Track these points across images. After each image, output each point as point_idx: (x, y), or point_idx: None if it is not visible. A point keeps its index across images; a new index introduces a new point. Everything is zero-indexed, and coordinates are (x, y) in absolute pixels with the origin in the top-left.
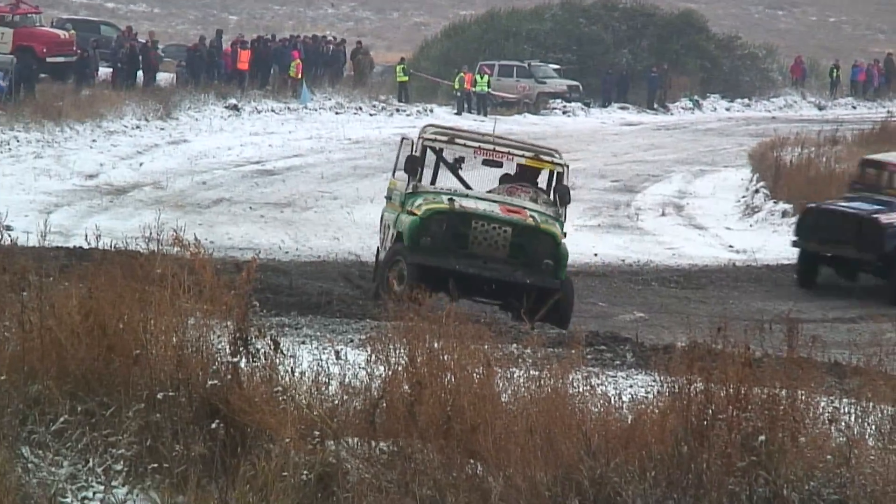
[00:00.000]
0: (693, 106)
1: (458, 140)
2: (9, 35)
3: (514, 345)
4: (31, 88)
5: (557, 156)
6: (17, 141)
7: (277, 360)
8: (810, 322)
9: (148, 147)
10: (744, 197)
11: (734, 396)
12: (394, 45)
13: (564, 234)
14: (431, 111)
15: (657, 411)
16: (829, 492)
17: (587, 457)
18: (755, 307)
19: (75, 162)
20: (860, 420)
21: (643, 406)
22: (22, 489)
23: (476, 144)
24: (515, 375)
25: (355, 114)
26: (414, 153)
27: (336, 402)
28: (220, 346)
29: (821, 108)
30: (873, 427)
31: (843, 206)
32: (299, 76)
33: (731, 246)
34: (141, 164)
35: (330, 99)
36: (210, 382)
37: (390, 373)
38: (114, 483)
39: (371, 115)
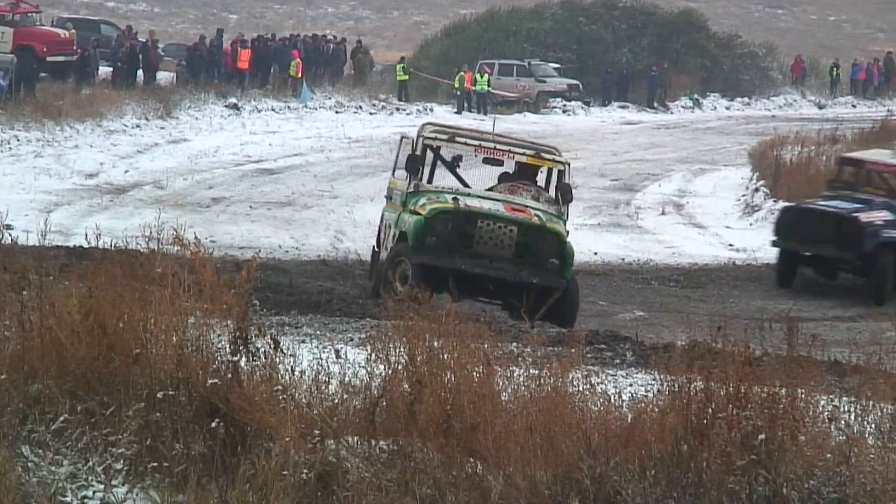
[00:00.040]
0: (693, 105)
1: (458, 138)
2: (9, 34)
3: (514, 344)
4: (31, 87)
5: (557, 154)
6: (18, 140)
7: (277, 359)
8: (810, 321)
9: (148, 146)
10: (744, 196)
11: (734, 395)
12: (394, 44)
13: (567, 233)
14: (431, 110)
15: (657, 410)
16: (828, 490)
17: (587, 455)
18: (755, 306)
19: (75, 161)
20: (860, 419)
21: (643, 405)
22: (22, 488)
23: (477, 143)
24: (515, 374)
25: (355, 113)
26: (415, 152)
27: (336, 400)
28: (220, 345)
29: (821, 107)
30: (873, 426)
31: (823, 206)
32: (299, 75)
33: (730, 245)
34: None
35: (330, 98)
36: (210, 381)
37: (390, 372)
38: (114, 482)
39: (371, 114)
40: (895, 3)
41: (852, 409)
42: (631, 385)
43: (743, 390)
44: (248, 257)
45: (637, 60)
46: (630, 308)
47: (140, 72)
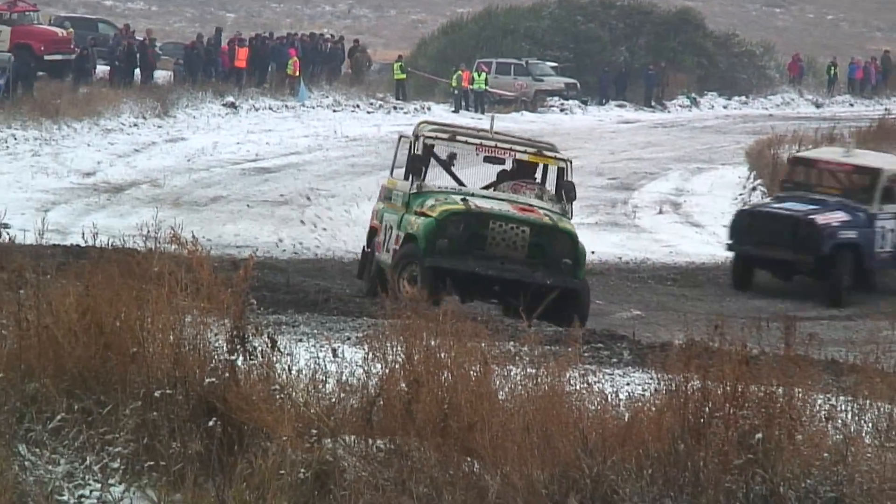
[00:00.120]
0: (690, 103)
1: (459, 137)
2: (6, 33)
3: (511, 343)
4: (28, 86)
5: (557, 151)
6: (15, 139)
7: (275, 358)
8: (807, 320)
9: (145, 145)
10: (741, 195)
11: (731, 394)
12: (391, 43)
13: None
14: (429, 109)
15: (654, 409)
16: (825, 489)
17: (584, 455)
18: (752, 305)
19: (73, 160)
20: (857, 418)
21: (640, 404)
22: (19, 487)
23: (477, 141)
24: (512, 373)
25: (353, 111)
26: (416, 152)
27: (333, 399)
28: (217, 344)
29: (818, 106)
30: (870, 425)
31: (777, 208)
32: (297, 74)
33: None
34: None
35: (327, 97)
36: (207, 380)
37: (387, 371)
38: (111, 481)
39: (368, 112)
40: (893, 2)
41: (849, 408)
42: (628, 384)
43: (740, 389)
44: (245, 256)
45: (634, 59)
46: (627, 307)
47: (137, 70)
